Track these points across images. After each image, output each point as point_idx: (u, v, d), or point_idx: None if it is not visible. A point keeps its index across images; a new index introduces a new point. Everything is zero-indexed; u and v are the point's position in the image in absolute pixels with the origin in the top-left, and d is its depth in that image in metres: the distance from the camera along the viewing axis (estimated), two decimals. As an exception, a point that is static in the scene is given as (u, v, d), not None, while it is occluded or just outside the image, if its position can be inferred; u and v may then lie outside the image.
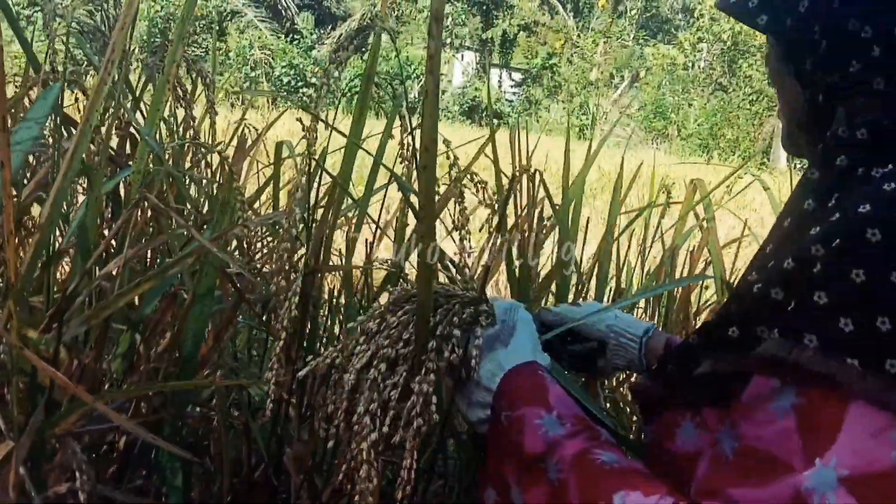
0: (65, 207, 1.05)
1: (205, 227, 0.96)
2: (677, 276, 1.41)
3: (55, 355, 0.67)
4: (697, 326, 0.76)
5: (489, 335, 0.69)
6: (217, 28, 18.25)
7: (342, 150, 0.88)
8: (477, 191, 0.87)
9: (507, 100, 22.99)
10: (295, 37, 20.71)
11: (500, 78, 24.17)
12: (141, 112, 1.21)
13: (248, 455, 0.92)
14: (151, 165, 0.96)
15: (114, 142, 1.10)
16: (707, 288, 1.73)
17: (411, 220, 1.05)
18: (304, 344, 0.87)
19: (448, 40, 21.21)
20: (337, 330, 1.30)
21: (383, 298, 1.14)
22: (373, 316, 0.70)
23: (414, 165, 0.95)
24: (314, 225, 0.87)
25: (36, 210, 0.85)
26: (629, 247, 1.46)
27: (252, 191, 1.38)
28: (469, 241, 0.83)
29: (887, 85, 0.54)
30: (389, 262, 1.00)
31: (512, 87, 24.27)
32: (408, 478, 0.63)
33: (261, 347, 1.22)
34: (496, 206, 0.83)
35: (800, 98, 0.61)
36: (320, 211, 0.90)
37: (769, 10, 0.60)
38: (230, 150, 1.20)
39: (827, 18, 0.57)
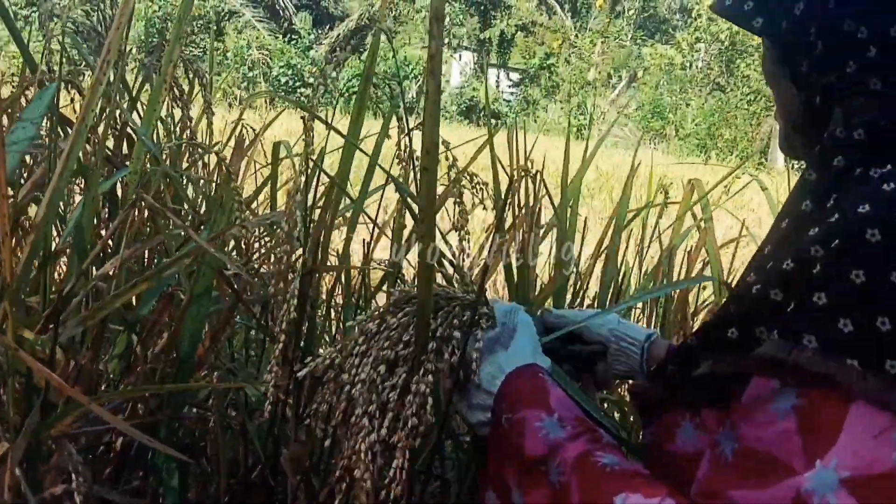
0: (62, 208, 1.05)
1: (202, 227, 0.96)
2: (675, 276, 1.41)
3: (51, 356, 0.67)
4: (696, 327, 0.75)
5: (489, 338, 0.69)
6: (215, 28, 18.26)
7: (340, 150, 0.88)
8: (476, 192, 0.87)
9: (504, 100, 23.00)
10: (293, 37, 20.70)
11: (498, 78, 24.18)
12: (138, 112, 1.20)
13: (244, 456, 0.91)
14: (149, 166, 0.96)
15: (111, 143, 1.09)
16: (705, 288, 1.73)
17: (409, 221, 1.05)
18: (302, 344, 0.87)
19: (446, 40, 21.22)
20: (334, 329, 1.30)
21: (381, 298, 1.15)
22: (372, 317, 0.70)
23: (411, 166, 0.95)
24: (312, 225, 0.87)
25: (33, 210, 0.85)
26: (627, 247, 1.46)
27: (250, 191, 1.37)
28: (468, 241, 0.83)
29: (884, 85, 0.54)
30: (387, 262, 1.00)
31: (510, 87, 24.28)
32: (399, 477, 0.63)
33: (258, 348, 1.22)
34: (496, 206, 0.83)
35: (796, 100, 0.61)
36: (317, 211, 0.89)
37: (765, 13, 0.60)
38: (227, 151, 1.20)
39: (823, 20, 0.57)
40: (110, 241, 0.88)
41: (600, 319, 0.88)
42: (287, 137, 1.05)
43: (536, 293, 1.03)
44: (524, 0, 23.46)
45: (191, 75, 1.27)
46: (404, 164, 0.96)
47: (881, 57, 0.54)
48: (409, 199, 0.91)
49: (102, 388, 0.83)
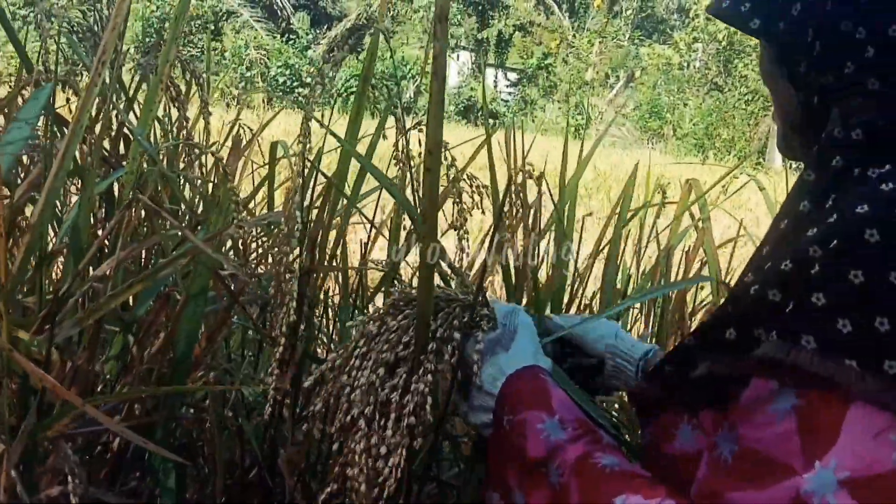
0: (59, 208, 1.05)
1: (199, 227, 0.95)
2: (672, 276, 1.41)
3: (47, 357, 0.67)
4: (694, 328, 0.75)
5: (490, 339, 0.69)
6: (213, 28, 18.24)
7: (338, 150, 0.88)
8: (474, 192, 0.87)
9: (502, 100, 23.01)
10: (291, 37, 20.69)
11: (496, 78, 24.19)
12: (134, 112, 1.20)
13: (241, 456, 0.91)
14: (146, 166, 0.96)
15: (108, 143, 1.09)
16: (703, 288, 1.73)
17: (406, 221, 1.05)
18: (300, 344, 0.87)
19: (444, 40, 21.11)
20: (331, 329, 1.29)
21: (379, 299, 1.14)
22: (372, 319, 0.70)
23: (409, 167, 0.95)
24: (310, 225, 0.86)
25: (30, 211, 0.84)
26: (624, 247, 1.46)
27: (247, 191, 1.37)
28: (467, 241, 0.83)
29: (882, 85, 0.54)
30: (385, 262, 1.00)
31: (507, 86, 24.29)
32: (394, 475, 0.63)
33: (255, 348, 1.22)
34: (494, 206, 0.82)
35: (794, 100, 0.61)
36: (314, 211, 0.89)
37: (762, 14, 0.60)
38: (225, 151, 1.20)
39: (820, 20, 0.56)
40: (107, 242, 0.88)
41: (599, 333, 0.87)
42: (285, 137, 1.05)
43: (534, 294, 1.03)
44: (522, 0, 23.46)
45: (188, 76, 1.27)
46: (402, 164, 0.95)
47: (879, 57, 0.54)
48: (406, 199, 0.91)
49: (99, 388, 0.83)
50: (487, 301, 0.73)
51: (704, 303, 1.56)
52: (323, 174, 0.89)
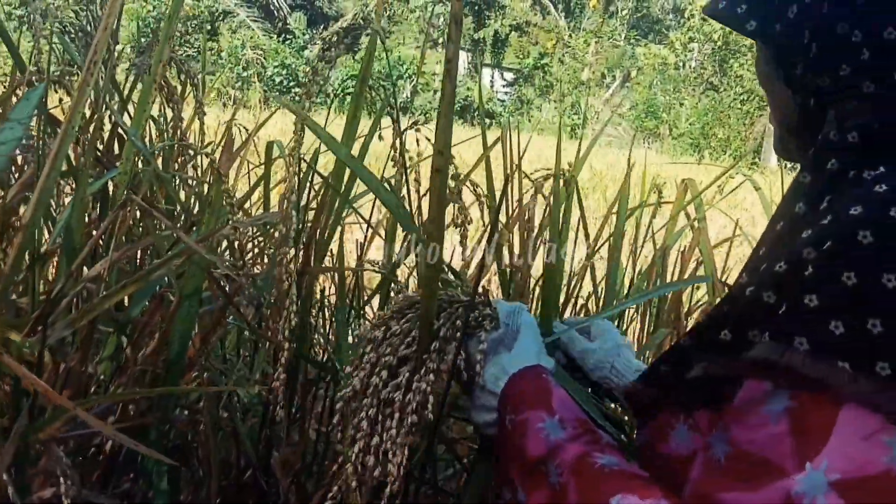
0: (53, 209, 1.04)
1: (193, 228, 0.95)
2: (668, 276, 1.41)
3: (40, 359, 0.66)
4: (689, 328, 0.75)
5: (493, 339, 0.69)
6: (209, 28, 18.21)
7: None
8: (472, 192, 0.86)
9: (498, 99, 23.02)
10: (287, 37, 20.68)
11: (492, 78, 24.20)
12: (128, 112, 1.20)
13: (236, 457, 0.91)
14: (140, 166, 0.95)
15: (102, 143, 1.09)
16: (698, 288, 1.73)
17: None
18: (296, 345, 0.87)
19: (440, 40, 21.21)
20: (328, 329, 1.29)
21: (377, 300, 1.14)
22: (377, 324, 0.70)
23: (406, 168, 0.94)
24: (307, 225, 0.86)
25: (23, 211, 0.84)
26: (620, 247, 1.46)
27: (243, 191, 1.37)
28: (467, 241, 0.83)
29: (877, 88, 0.54)
30: (383, 263, 1.00)
31: (504, 86, 24.30)
32: (397, 473, 0.63)
33: (250, 348, 1.22)
34: (490, 205, 0.82)
35: (790, 102, 0.61)
36: (311, 212, 0.89)
37: (758, 16, 0.60)
38: (220, 151, 1.19)
39: (817, 22, 0.56)
40: (100, 242, 0.88)
41: (597, 357, 0.83)
42: (281, 137, 1.04)
43: (530, 293, 1.03)
44: (518, 0, 23.47)
45: (182, 76, 1.27)
46: (399, 166, 0.95)
47: (874, 60, 0.54)
48: (397, 203, 0.91)
49: (92, 390, 0.83)
50: (490, 301, 0.73)
51: (700, 302, 1.56)
52: (319, 174, 0.89)
